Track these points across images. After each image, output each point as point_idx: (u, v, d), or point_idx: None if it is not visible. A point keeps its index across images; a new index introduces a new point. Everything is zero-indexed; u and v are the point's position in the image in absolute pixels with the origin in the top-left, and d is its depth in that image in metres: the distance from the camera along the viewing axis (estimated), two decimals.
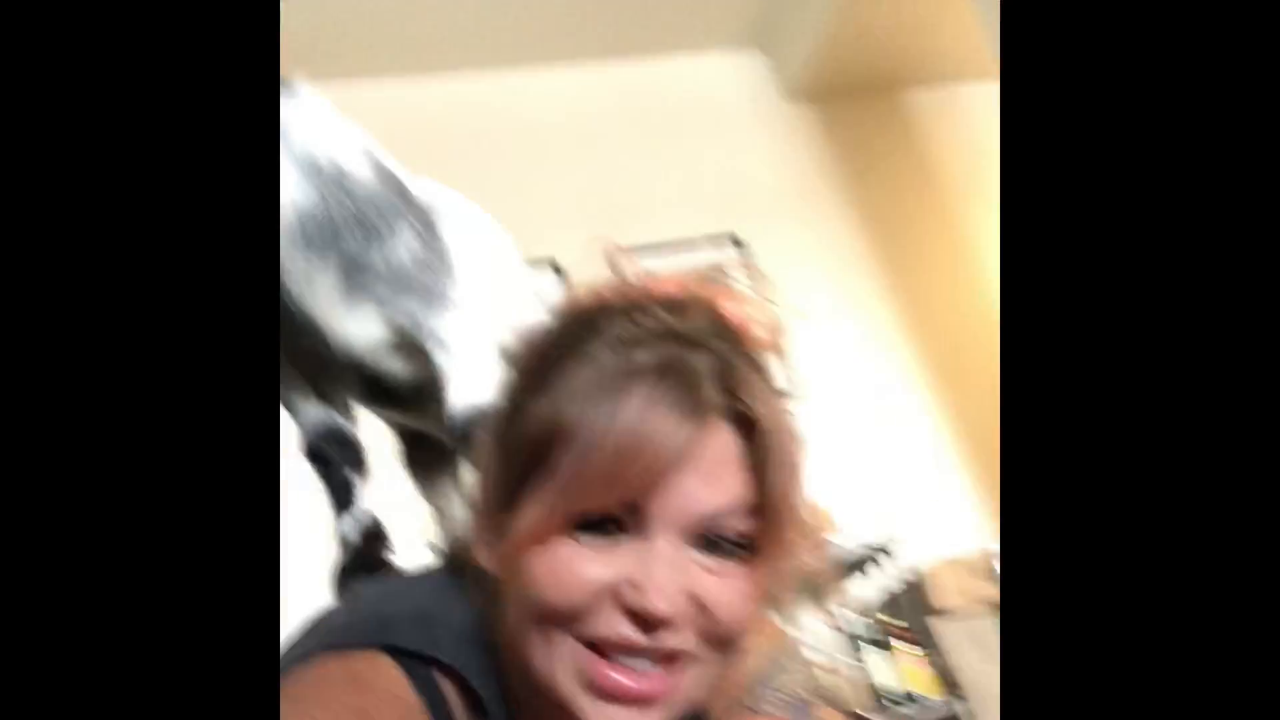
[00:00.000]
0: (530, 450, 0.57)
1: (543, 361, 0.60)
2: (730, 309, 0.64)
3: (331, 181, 0.80)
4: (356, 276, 0.81)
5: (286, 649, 0.65)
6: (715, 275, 0.72)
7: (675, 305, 0.62)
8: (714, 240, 2.79)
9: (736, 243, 2.81)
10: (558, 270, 2.67)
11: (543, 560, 0.56)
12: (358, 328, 0.83)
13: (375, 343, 0.84)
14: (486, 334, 0.88)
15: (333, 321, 0.82)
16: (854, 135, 3.11)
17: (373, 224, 0.81)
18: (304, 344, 0.84)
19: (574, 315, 0.63)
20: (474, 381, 0.84)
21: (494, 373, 0.84)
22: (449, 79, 2.90)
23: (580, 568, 0.56)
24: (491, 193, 2.69)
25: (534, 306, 1.03)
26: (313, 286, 0.80)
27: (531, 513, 0.56)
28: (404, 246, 0.83)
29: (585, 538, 0.56)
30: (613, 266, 0.67)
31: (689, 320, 0.60)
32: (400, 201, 0.85)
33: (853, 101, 3.12)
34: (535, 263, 2.64)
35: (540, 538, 0.56)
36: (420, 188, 0.91)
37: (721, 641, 0.58)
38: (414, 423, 1.01)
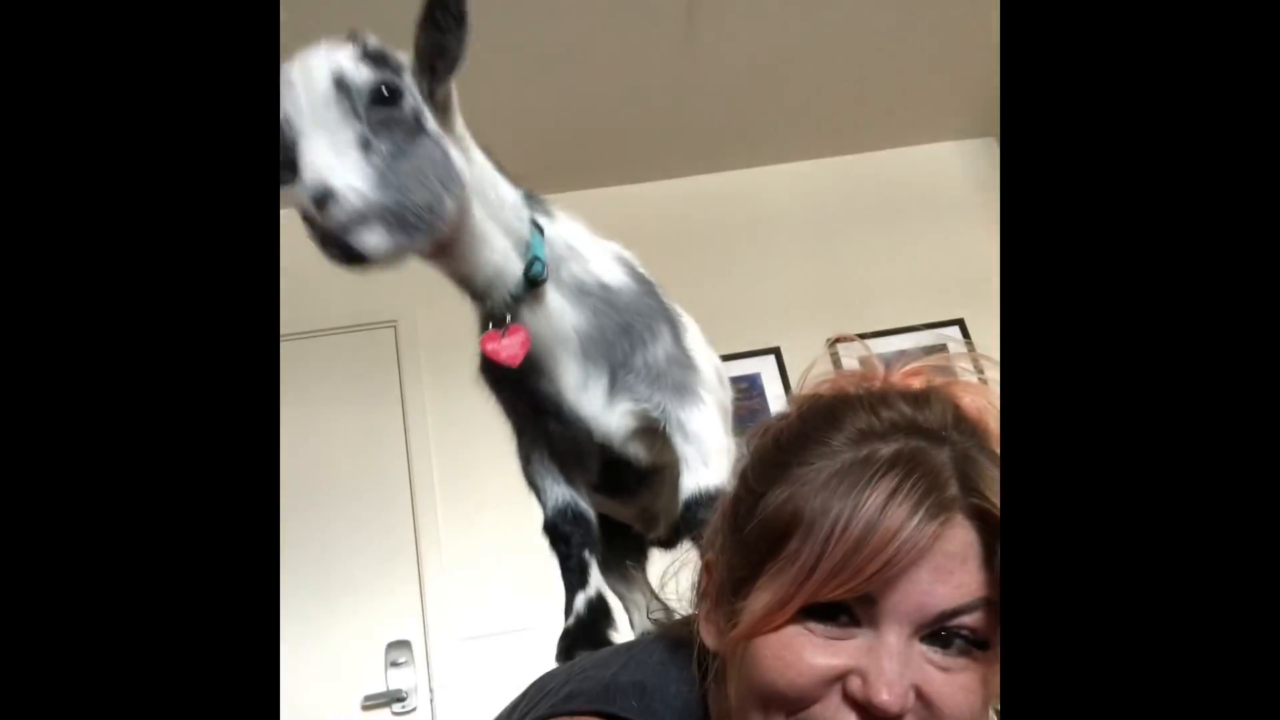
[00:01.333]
0: (769, 539, 0.59)
1: (783, 452, 0.62)
2: (968, 402, 0.64)
3: (600, 299, 0.91)
4: (622, 378, 0.91)
5: (514, 708, 0.73)
6: (951, 367, 0.72)
7: (916, 398, 0.62)
8: (941, 328, 2.75)
9: (964, 330, 2.75)
10: (782, 360, 2.72)
11: (772, 645, 0.57)
12: (615, 420, 0.93)
13: (629, 430, 0.93)
14: (724, 426, 0.95)
15: (598, 415, 0.92)
16: None
17: (638, 333, 0.91)
18: (570, 435, 0.95)
19: (815, 406, 0.65)
20: (710, 469, 0.91)
21: (725, 462, 0.93)
22: (685, 181, 3.04)
23: (810, 655, 0.56)
24: (723, 283, 2.80)
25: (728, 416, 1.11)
26: (587, 392, 0.92)
27: (765, 599, 0.57)
28: (663, 349, 0.92)
29: (816, 626, 0.56)
30: (856, 360, 0.69)
31: (929, 413, 0.61)
32: (657, 305, 0.94)
33: None
34: (761, 352, 2.70)
35: (773, 623, 0.57)
36: (666, 295, 1.00)
37: None
38: (620, 510, 1.09)
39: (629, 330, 0.91)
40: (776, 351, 2.72)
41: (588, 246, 0.93)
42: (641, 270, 0.97)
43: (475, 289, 0.88)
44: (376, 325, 2.72)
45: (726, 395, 1.06)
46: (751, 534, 0.60)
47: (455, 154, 0.81)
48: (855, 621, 0.56)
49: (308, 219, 0.73)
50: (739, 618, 0.59)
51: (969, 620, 0.56)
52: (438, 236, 0.80)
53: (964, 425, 0.62)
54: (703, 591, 0.68)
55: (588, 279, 0.91)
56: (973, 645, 0.57)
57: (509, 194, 0.89)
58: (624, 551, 1.17)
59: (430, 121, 0.80)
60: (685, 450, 0.91)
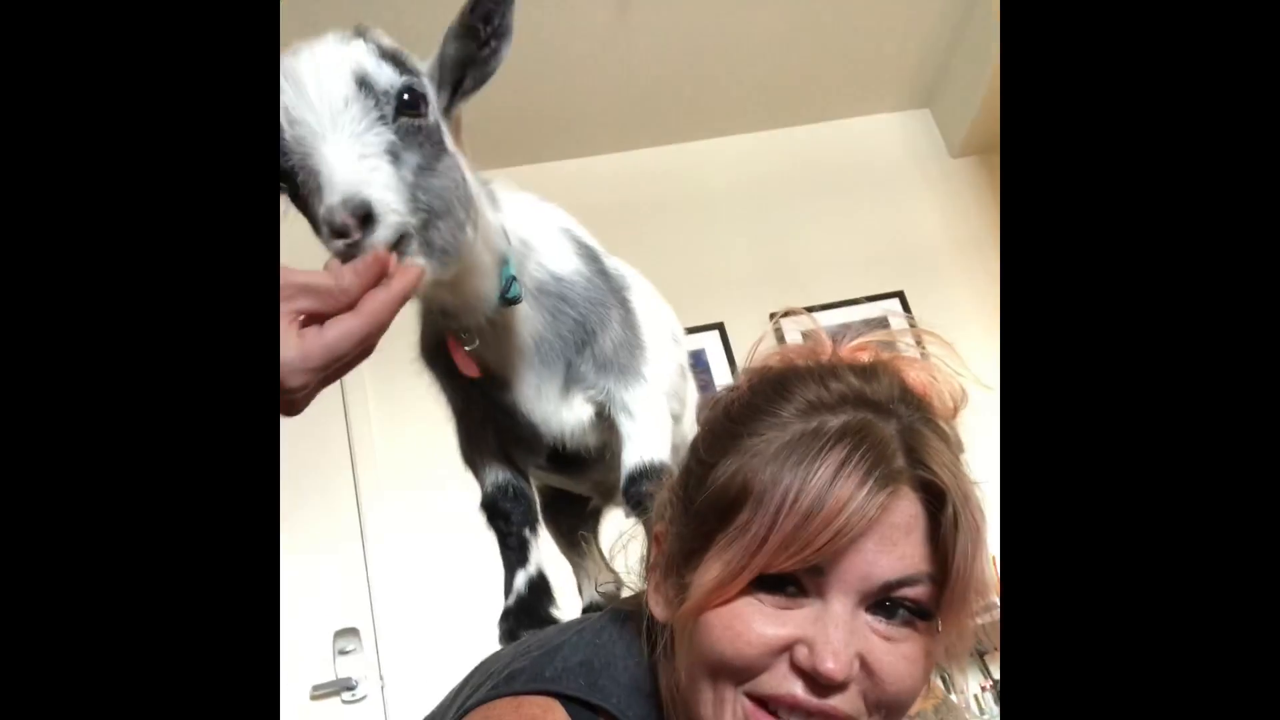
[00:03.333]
0: (718, 510, 0.59)
1: (733, 423, 0.63)
2: (913, 376, 0.65)
3: (554, 296, 0.88)
4: (574, 374, 0.90)
5: (458, 692, 0.72)
6: (896, 342, 0.73)
7: (864, 371, 0.63)
8: (881, 300, 2.78)
9: (904, 302, 2.78)
10: (726, 335, 2.72)
11: (722, 616, 0.58)
12: (571, 415, 0.92)
13: (584, 424, 0.93)
14: (665, 400, 0.95)
15: (551, 417, 0.91)
16: None
17: (590, 327, 0.90)
18: (518, 432, 0.94)
19: (765, 378, 0.65)
20: (651, 442, 0.91)
21: (667, 435, 0.93)
22: (623, 156, 3.02)
23: (759, 626, 0.57)
24: (665, 260, 2.81)
25: (688, 375, 1.11)
26: (541, 396, 0.90)
27: (716, 570, 0.58)
28: (611, 338, 0.91)
29: (765, 597, 0.57)
30: (803, 333, 0.69)
31: (877, 386, 0.62)
32: (605, 285, 0.93)
33: None
34: (705, 327, 2.70)
35: (723, 596, 0.58)
36: (610, 260, 0.98)
37: (890, 707, 0.58)
38: (574, 485, 1.08)
39: (583, 324, 0.89)
40: (720, 327, 2.72)
41: (538, 234, 0.90)
42: (586, 240, 0.95)
43: (450, 310, 0.83)
44: None
45: (680, 352, 1.06)
46: (702, 505, 0.61)
47: (470, 176, 0.76)
48: (803, 592, 0.57)
49: (336, 231, 0.63)
50: (689, 590, 0.60)
51: (912, 591, 0.58)
52: (452, 271, 0.73)
53: (909, 398, 0.63)
54: (652, 563, 0.68)
55: (544, 276, 0.88)
56: (916, 615, 0.58)
57: (485, 208, 0.82)
58: (577, 520, 1.17)
59: (448, 137, 0.74)
60: (627, 426, 0.91)
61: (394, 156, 0.67)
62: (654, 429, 0.92)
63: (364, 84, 0.66)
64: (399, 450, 2.49)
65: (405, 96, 0.68)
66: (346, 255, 0.64)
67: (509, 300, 0.82)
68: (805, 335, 0.69)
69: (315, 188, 0.64)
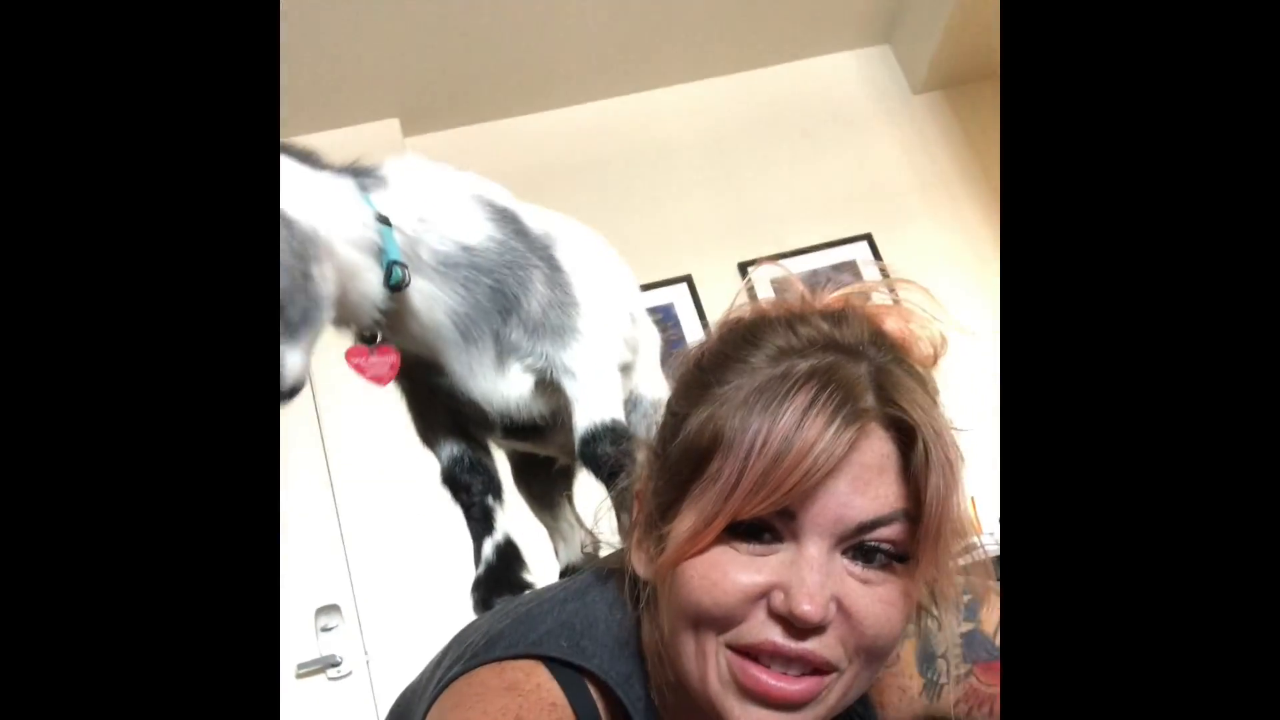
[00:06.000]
0: (691, 460, 0.59)
1: (704, 373, 0.62)
2: (892, 325, 0.64)
3: (464, 267, 0.85)
4: (505, 344, 0.88)
5: (439, 662, 0.71)
6: (874, 292, 0.73)
7: (835, 316, 0.62)
8: (849, 244, 2.75)
9: (872, 244, 2.76)
10: (694, 287, 2.69)
11: (699, 566, 0.58)
12: (510, 388, 0.90)
13: (525, 395, 0.91)
14: (608, 354, 0.93)
15: (491, 393, 0.89)
16: (986, 121, 3.00)
17: (510, 291, 0.87)
18: (465, 411, 0.92)
19: (734, 328, 0.65)
20: (599, 402, 0.89)
21: (615, 390, 0.91)
22: (580, 110, 2.95)
23: (734, 573, 0.57)
24: (627, 214, 2.77)
25: (641, 316, 1.08)
26: (474, 374, 0.88)
27: (691, 520, 0.58)
28: (537, 300, 0.88)
29: (741, 545, 0.57)
30: (773, 281, 0.68)
31: (847, 330, 0.61)
32: (523, 245, 0.89)
33: (985, 86, 3.02)
34: (673, 280, 2.67)
35: (698, 545, 0.57)
36: (534, 217, 0.95)
37: (869, 651, 0.58)
38: (538, 449, 1.06)
39: (501, 291, 0.87)
40: (689, 279, 2.69)
41: (439, 207, 0.87)
42: (502, 203, 0.92)
43: (338, 320, 0.81)
44: None
45: (626, 298, 1.03)
46: (675, 457, 0.61)
47: (290, 209, 0.71)
48: (778, 537, 0.57)
49: None
50: (666, 542, 0.60)
51: (888, 532, 0.57)
52: (333, 304, 0.74)
53: (882, 341, 0.62)
54: (633, 520, 0.68)
55: (449, 248, 0.85)
56: (893, 559, 0.58)
57: (346, 198, 0.79)
58: (549, 482, 1.15)
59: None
60: (573, 389, 0.89)
61: None
62: (600, 387, 0.90)
63: None
64: (367, 423, 2.45)
65: None
66: None
67: (395, 287, 0.80)
68: (776, 284, 0.68)
69: None
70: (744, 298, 0.70)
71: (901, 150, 2.94)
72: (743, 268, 2.71)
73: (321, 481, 2.46)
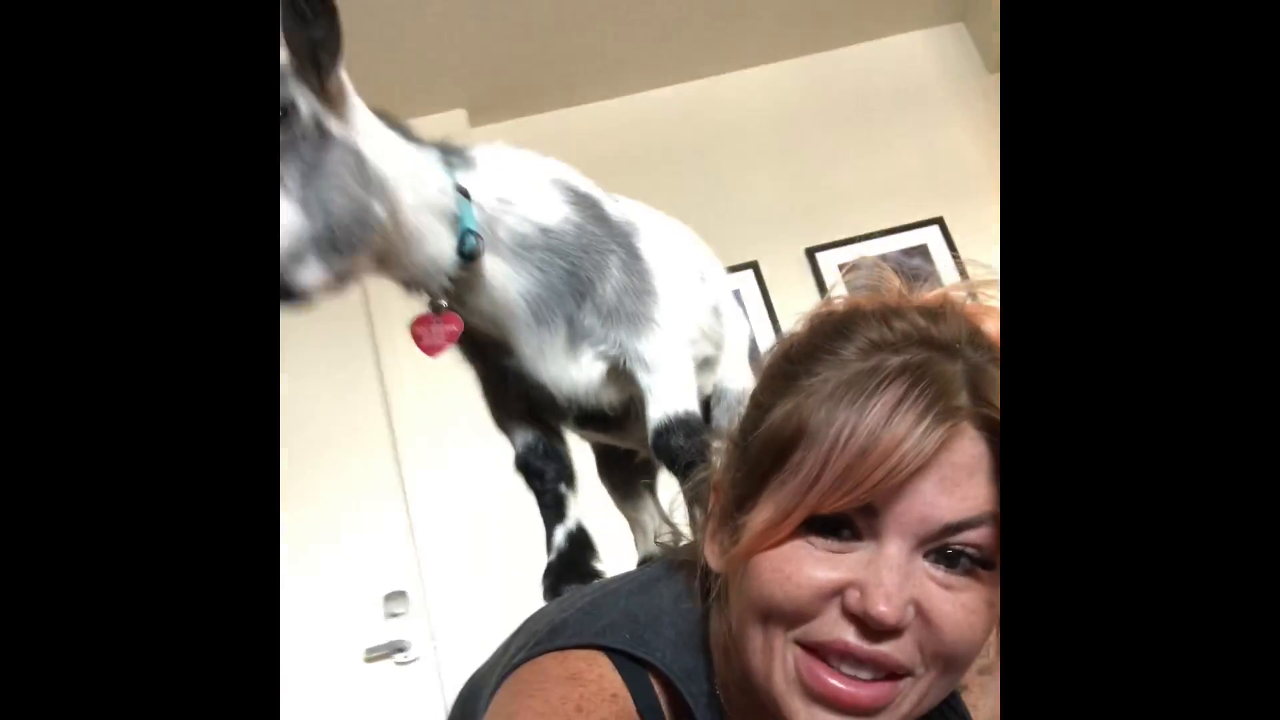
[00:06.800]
0: (772, 451, 0.57)
1: (792, 364, 0.61)
2: (991, 326, 0.61)
3: (543, 250, 0.86)
4: (578, 328, 0.88)
5: (504, 650, 0.71)
6: (974, 293, 0.72)
7: (931, 312, 0.60)
8: (920, 228, 2.69)
9: (943, 228, 2.70)
10: (760, 274, 2.66)
11: (773, 559, 0.56)
12: (580, 374, 0.90)
13: (595, 382, 0.91)
14: (685, 346, 0.93)
15: (560, 377, 0.90)
16: None
17: (585, 275, 0.87)
18: (534, 395, 0.92)
19: (827, 320, 0.63)
20: (673, 394, 0.89)
21: (690, 383, 0.91)
22: (645, 96, 2.94)
23: (809, 568, 0.55)
24: (692, 199, 2.75)
25: (728, 309, 1.09)
26: (544, 357, 0.89)
27: (768, 512, 0.56)
28: (612, 285, 0.89)
29: (818, 540, 0.56)
30: (867, 277, 0.66)
31: (944, 327, 0.59)
32: (602, 231, 0.90)
33: None
34: (739, 267, 2.64)
35: (774, 537, 0.56)
36: (616, 205, 0.95)
37: (947, 660, 0.55)
38: (616, 440, 1.06)
39: (576, 274, 0.87)
40: (755, 266, 2.65)
41: (520, 190, 0.88)
42: (584, 189, 0.93)
43: (406, 281, 0.84)
44: None
45: (710, 292, 1.04)
46: (757, 448, 0.60)
47: (368, 151, 0.76)
48: (857, 535, 0.56)
49: None
50: (741, 534, 0.59)
51: (974, 536, 0.54)
52: (375, 247, 0.76)
53: (980, 341, 0.59)
54: (709, 511, 0.66)
55: (526, 229, 0.86)
56: (978, 564, 0.55)
57: (427, 166, 0.83)
58: (630, 473, 1.16)
59: (332, 123, 0.74)
60: (647, 380, 0.89)
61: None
62: (675, 378, 0.89)
63: None
64: (436, 409, 2.48)
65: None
66: None
67: (468, 255, 0.82)
68: (879, 280, 0.66)
69: None
70: (838, 291, 0.68)
71: (975, 131, 2.86)
72: (810, 253, 2.67)
73: (390, 467, 2.50)
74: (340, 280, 0.74)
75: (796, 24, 2.84)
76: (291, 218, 0.70)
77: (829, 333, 0.61)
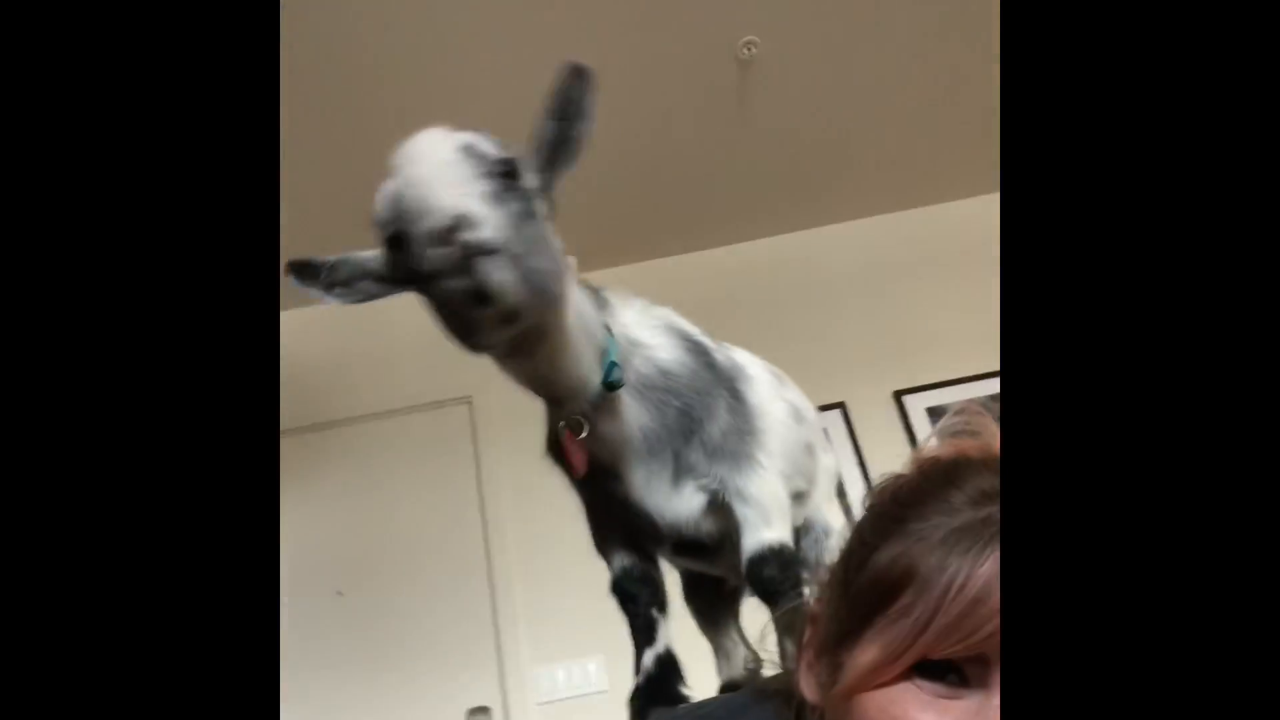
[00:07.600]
0: (879, 591, 0.58)
1: (901, 508, 0.61)
2: None
3: (659, 389, 0.92)
4: (684, 463, 0.93)
5: None
6: None
7: None
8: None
9: None
10: (848, 414, 2.71)
11: (878, 700, 0.56)
12: (682, 504, 0.94)
13: (696, 512, 0.95)
14: (780, 482, 0.97)
15: (664, 506, 0.94)
16: None
17: (696, 415, 0.93)
18: (637, 522, 0.96)
19: (935, 465, 0.64)
20: (768, 526, 0.92)
21: (786, 516, 0.94)
22: (747, 246, 3.09)
23: (917, 713, 0.55)
24: (785, 343, 2.84)
25: (820, 452, 1.13)
26: (650, 486, 0.93)
27: (874, 653, 0.56)
28: (719, 425, 0.94)
29: (925, 684, 0.55)
30: (969, 424, 0.67)
31: None
32: (711, 376, 0.96)
33: None
34: (829, 407, 2.69)
35: (881, 678, 0.56)
36: (721, 351, 1.02)
37: None
38: (708, 569, 1.09)
39: (688, 413, 0.92)
40: (842, 406, 2.72)
41: (645, 332, 0.95)
42: (694, 335, 0.99)
43: (554, 394, 0.89)
44: (451, 402, 2.80)
45: (805, 431, 1.07)
46: (862, 587, 0.60)
47: (561, 250, 0.81)
48: (965, 682, 0.55)
49: (436, 238, 0.69)
50: (842, 671, 0.59)
51: None
52: (548, 314, 0.79)
53: None
54: (805, 642, 0.67)
55: (649, 370, 0.92)
56: None
57: (583, 298, 0.89)
58: (717, 600, 1.18)
59: (544, 211, 0.80)
60: (744, 512, 0.93)
61: (495, 198, 0.72)
62: (770, 511, 0.93)
63: (469, 151, 0.73)
64: (532, 535, 2.55)
65: (505, 164, 0.75)
66: (447, 265, 0.70)
67: (610, 385, 0.87)
68: (982, 429, 0.67)
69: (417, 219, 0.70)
70: (943, 433, 0.70)
71: None
72: (897, 395, 2.72)
73: (482, 586, 2.56)
74: (522, 306, 0.75)
75: (891, 182, 2.97)
76: (497, 224, 0.71)
77: (938, 479, 0.61)
